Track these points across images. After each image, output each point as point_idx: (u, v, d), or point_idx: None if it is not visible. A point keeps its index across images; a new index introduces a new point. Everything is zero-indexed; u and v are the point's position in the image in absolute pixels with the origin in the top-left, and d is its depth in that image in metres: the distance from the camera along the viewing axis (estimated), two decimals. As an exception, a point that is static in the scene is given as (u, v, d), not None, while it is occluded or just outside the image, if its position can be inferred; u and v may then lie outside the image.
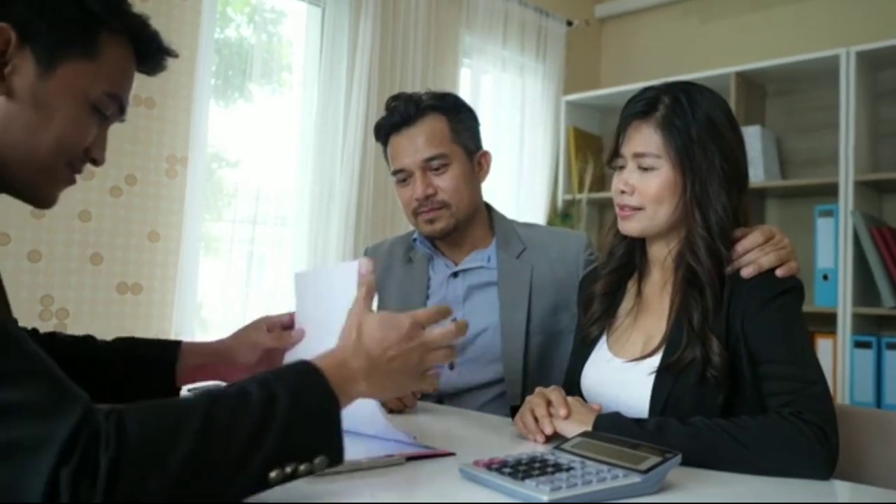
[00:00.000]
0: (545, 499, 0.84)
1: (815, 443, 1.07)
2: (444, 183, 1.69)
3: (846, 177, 2.92)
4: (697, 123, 1.26)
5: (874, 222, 2.92)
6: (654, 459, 0.93)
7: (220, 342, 1.30)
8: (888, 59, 3.01)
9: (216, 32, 2.71)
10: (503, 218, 1.82)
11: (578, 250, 1.74)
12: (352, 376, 0.90)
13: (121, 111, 1.03)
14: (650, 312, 1.35)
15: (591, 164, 3.76)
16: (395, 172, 1.73)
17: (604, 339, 1.40)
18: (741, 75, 3.24)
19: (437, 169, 1.68)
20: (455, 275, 1.75)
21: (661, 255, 1.35)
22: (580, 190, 3.74)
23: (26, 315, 2.23)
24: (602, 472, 0.91)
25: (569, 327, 1.64)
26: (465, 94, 3.43)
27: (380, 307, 1.79)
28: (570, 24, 3.89)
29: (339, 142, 2.92)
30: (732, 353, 1.21)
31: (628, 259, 1.42)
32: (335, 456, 0.82)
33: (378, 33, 2.99)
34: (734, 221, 1.29)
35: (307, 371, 0.85)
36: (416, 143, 1.68)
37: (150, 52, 1.04)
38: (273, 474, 0.76)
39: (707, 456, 1.08)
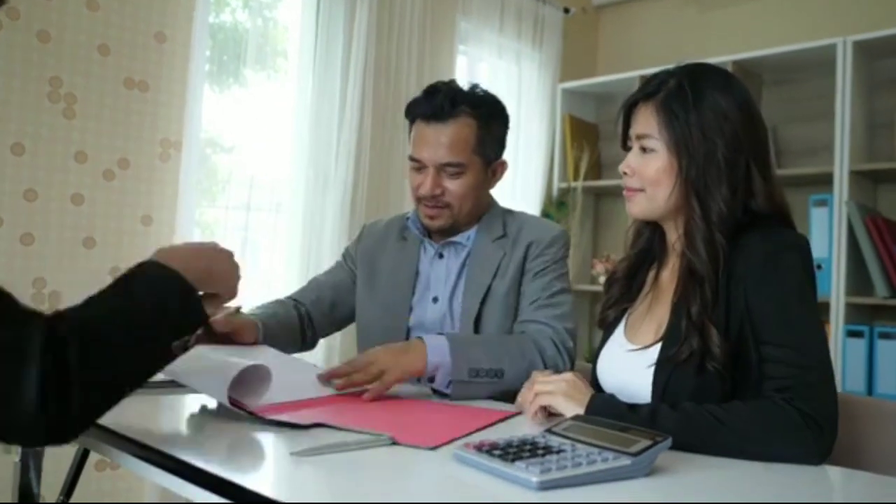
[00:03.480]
0: (535, 480, 0.84)
1: (804, 429, 1.06)
2: (454, 187, 1.71)
3: (841, 166, 2.92)
4: (698, 108, 1.25)
5: (869, 212, 2.92)
6: (644, 443, 0.94)
7: None
8: (885, 48, 3.01)
9: (211, 17, 2.69)
10: (496, 206, 1.85)
11: (546, 238, 1.74)
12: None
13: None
14: (663, 299, 1.34)
15: (587, 151, 3.75)
16: (412, 159, 1.75)
17: (622, 323, 1.39)
18: (738, 64, 3.24)
19: (452, 174, 1.71)
20: (441, 256, 1.79)
21: (674, 240, 1.34)
22: (576, 178, 3.73)
23: (18, 298, 2.22)
24: (592, 454, 0.92)
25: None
26: (461, 81, 3.40)
27: (369, 283, 1.82)
28: (566, 11, 3.88)
29: (335, 128, 2.92)
30: (738, 336, 1.19)
31: (650, 244, 1.41)
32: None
33: (374, 19, 2.98)
34: (768, 206, 1.25)
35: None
36: (440, 142, 1.69)
37: None
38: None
39: (697, 442, 1.08)
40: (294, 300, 1.84)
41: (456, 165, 1.70)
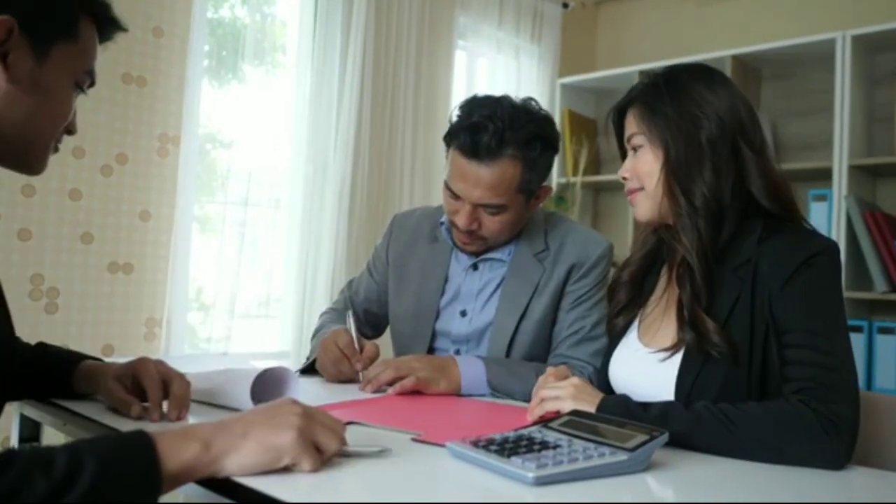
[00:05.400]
0: (531, 475, 0.84)
1: (820, 431, 1.03)
2: (491, 224, 1.61)
3: (840, 161, 2.91)
4: (674, 97, 1.26)
5: (868, 207, 2.92)
6: (641, 438, 0.94)
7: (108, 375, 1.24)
8: (884, 43, 3.00)
9: (209, 12, 2.69)
10: (537, 217, 1.74)
11: (594, 255, 1.67)
12: (192, 432, 0.83)
13: (92, 84, 1.13)
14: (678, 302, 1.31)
15: (586, 147, 3.75)
16: (448, 186, 1.61)
17: (634, 328, 1.37)
18: (737, 59, 3.23)
19: (490, 213, 1.60)
20: (475, 267, 1.72)
21: None
22: (575, 173, 3.73)
23: (16, 294, 2.23)
24: (589, 449, 0.91)
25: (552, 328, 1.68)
26: (459, 76, 3.42)
27: (399, 287, 1.79)
28: (565, 6, 3.87)
29: (333, 123, 2.91)
30: (764, 339, 1.17)
31: (659, 246, 1.39)
32: None
33: (372, 14, 2.97)
34: (766, 186, 1.24)
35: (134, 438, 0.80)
36: (480, 182, 1.55)
37: (109, 29, 1.14)
38: None
39: (709, 443, 1.06)
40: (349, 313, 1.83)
41: (495, 206, 1.58)
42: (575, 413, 1.07)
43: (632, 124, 1.32)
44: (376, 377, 1.47)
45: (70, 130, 1.12)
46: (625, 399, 1.16)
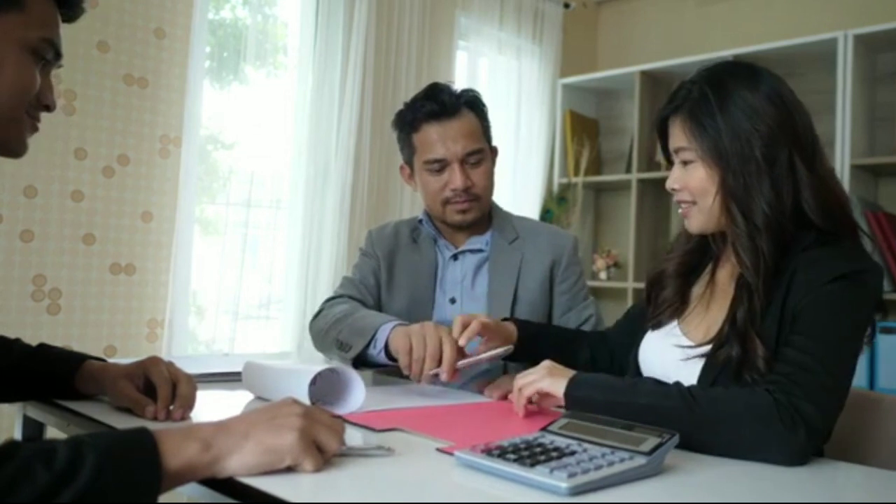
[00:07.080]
0: (564, 486, 0.81)
1: (777, 420, 1.01)
2: (478, 177, 1.74)
3: (842, 161, 2.91)
4: (724, 111, 1.20)
5: (869, 207, 2.92)
6: (653, 440, 0.92)
7: (117, 375, 1.22)
8: (886, 42, 3.00)
9: (211, 13, 2.68)
10: (499, 208, 1.90)
11: (568, 248, 1.82)
12: (195, 431, 0.83)
13: (57, 56, 1.10)
14: (720, 299, 1.29)
15: (588, 147, 3.74)
16: (431, 162, 1.74)
17: (674, 321, 1.35)
18: (738, 58, 3.21)
19: (474, 163, 1.74)
20: (455, 257, 1.81)
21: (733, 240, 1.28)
22: (576, 174, 3.72)
23: (18, 295, 2.22)
24: (606, 454, 0.89)
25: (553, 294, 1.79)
26: (461, 76, 3.41)
27: (389, 283, 1.82)
28: (567, 6, 3.87)
29: (335, 124, 2.91)
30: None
31: (704, 241, 1.36)
32: None
33: (373, 15, 2.96)
34: (817, 203, 1.19)
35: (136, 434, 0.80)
36: (458, 134, 1.72)
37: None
38: None
39: (671, 420, 1.03)
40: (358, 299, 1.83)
41: (478, 152, 1.73)
42: (571, 415, 1.04)
43: (679, 137, 1.26)
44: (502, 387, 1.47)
45: (47, 105, 1.10)
46: (598, 374, 1.21)
